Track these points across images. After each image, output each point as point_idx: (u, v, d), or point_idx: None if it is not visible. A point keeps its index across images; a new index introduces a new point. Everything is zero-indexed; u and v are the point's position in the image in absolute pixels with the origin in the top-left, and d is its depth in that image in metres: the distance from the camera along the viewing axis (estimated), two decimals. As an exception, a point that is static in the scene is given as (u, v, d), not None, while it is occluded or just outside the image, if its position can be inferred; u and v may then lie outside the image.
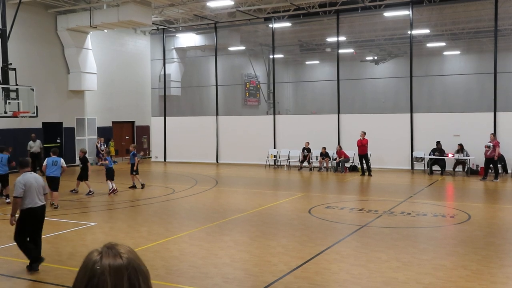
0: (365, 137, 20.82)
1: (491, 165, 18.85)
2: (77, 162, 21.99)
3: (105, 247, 1.57)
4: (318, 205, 13.58)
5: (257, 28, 30.16)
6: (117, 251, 1.55)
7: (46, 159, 13.87)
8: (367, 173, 20.75)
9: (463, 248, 9.05)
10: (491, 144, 18.69)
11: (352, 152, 22.25)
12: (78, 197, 15.49)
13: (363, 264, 8.00)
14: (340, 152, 22.27)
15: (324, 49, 34.85)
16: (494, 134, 19.39)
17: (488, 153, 18.70)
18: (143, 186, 17.13)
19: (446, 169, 20.93)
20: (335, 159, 22.61)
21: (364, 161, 20.89)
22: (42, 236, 8.21)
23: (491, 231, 10.42)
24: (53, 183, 13.41)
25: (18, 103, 17.80)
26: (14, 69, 18.17)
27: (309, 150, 23.15)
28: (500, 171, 19.91)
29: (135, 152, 17.51)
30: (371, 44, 34.74)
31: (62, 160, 13.58)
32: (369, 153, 21.15)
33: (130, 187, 17.14)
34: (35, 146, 21.14)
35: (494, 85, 21.32)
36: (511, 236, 10.32)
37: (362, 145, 20.77)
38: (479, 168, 20.30)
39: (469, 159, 20.35)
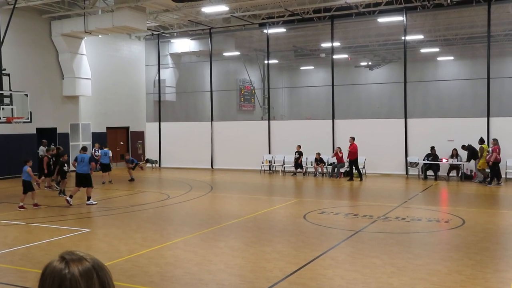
0: (354, 142, 20.89)
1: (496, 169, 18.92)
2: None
3: (65, 254, 1.58)
4: (313, 211, 13.58)
5: (251, 33, 30.23)
6: (80, 256, 1.57)
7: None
8: (359, 178, 20.80)
9: (458, 253, 9.07)
10: (491, 149, 18.82)
11: (345, 157, 22.25)
12: (72, 202, 15.41)
13: (358, 270, 8.00)
14: (340, 153, 22.02)
15: (319, 54, 34.97)
16: (495, 139, 19.10)
17: (488, 157, 18.84)
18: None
19: (440, 174, 20.99)
20: (330, 164, 22.63)
21: (354, 167, 20.95)
22: (35, 243, 8.16)
23: (485, 236, 10.45)
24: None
25: (11, 108, 17.75)
26: (8, 75, 18.12)
27: (300, 153, 23.17)
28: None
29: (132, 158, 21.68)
30: (365, 49, 34.90)
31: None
32: (363, 158, 21.19)
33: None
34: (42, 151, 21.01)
35: (487, 90, 21.45)
36: (505, 241, 10.36)
37: (350, 151, 20.85)
38: (472, 173, 20.38)
39: (463, 164, 20.42)
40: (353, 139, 20.99)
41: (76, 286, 1.49)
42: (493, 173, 18.81)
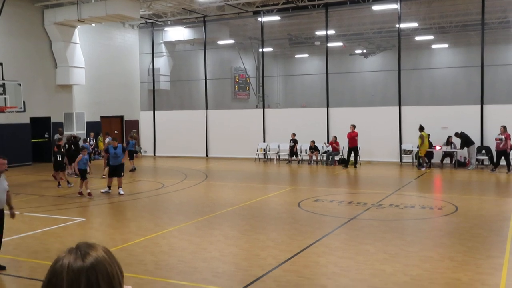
0: (355, 130, 20.99)
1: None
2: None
3: (75, 246, 1.56)
4: (307, 199, 13.65)
5: (246, 21, 30.10)
6: (84, 252, 1.53)
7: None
8: (353, 165, 20.95)
9: (450, 240, 9.16)
10: (503, 137, 18.49)
11: (341, 145, 22.33)
12: (67, 192, 15.42)
13: (351, 257, 8.07)
14: (335, 143, 22.14)
15: (313, 42, 34.89)
16: (505, 126, 18.80)
17: (501, 145, 18.50)
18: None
19: (434, 161, 21.10)
20: (324, 152, 22.70)
21: (353, 154, 21.08)
22: (30, 232, 8.17)
23: (478, 222, 10.55)
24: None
25: (5, 98, 17.68)
26: (1, 64, 18.01)
27: (295, 141, 23.22)
28: (487, 162, 20.19)
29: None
30: (360, 37, 34.84)
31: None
32: (358, 146, 21.27)
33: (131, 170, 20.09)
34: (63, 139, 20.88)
35: (481, 78, 21.49)
36: (498, 227, 10.44)
37: (352, 138, 20.93)
38: (466, 161, 20.50)
39: (457, 152, 20.53)
40: (354, 126, 21.08)
41: (60, 284, 1.48)
42: (507, 160, 18.58)
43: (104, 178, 17.00)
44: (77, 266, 1.50)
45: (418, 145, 20.51)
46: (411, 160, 21.92)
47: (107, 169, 15.97)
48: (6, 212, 7.98)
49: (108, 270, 1.53)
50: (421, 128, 20.33)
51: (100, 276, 1.50)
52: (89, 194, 14.20)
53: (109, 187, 14.90)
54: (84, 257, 1.51)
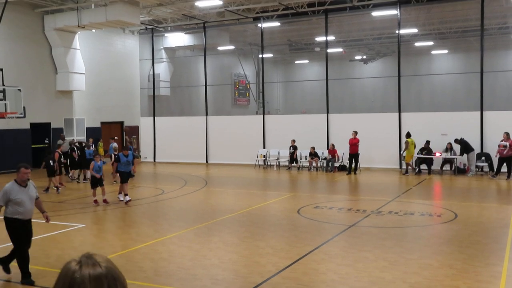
0: (357, 137, 21.04)
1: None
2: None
3: (83, 256, 1.61)
4: (307, 205, 13.64)
5: (246, 27, 30.19)
6: (96, 261, 1.59)
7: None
8: (353, 171, 20.95)
9: (449, 247, 9.16)
10: (508, 144, 18.32)
11: (341, 151, 22.35)
12: (67, 198, 15.42)
13: (350, 264, 8.07)
14: (333, 150, 22.26)
15: (313, 48, 34.99)
16: (508, 133, 18.56)
17: (505, 152, 18.36)
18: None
19: (434, 168, 21.10)
20: (324, 159, 22.71)
21: (353, 160, 21.09)
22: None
23: (477, 230, 10.54)
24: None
25: (5, 104, 17.71)
26: (1, 70, 18.04)
27: (295, 148, 23.22)
28: (487, 169, 20.19)
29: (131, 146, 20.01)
30: (359, 43, 34.95)
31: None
32: (359, 152, 21.30)
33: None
34: (64, 144, 20.89)
35: (480, 84, 21.52)
36: (497, 235, 10.44)
37: (353, 144, 20.95)
38: (465, 167, 20.50)
39: (457, 158, 20.53)
40: (356, 133, 21.13)
41: None
42: (510, 166, 18.41)
43: (116, 183, 17.03)
44: (97, 274, 1.56)
45: (402, 151, 21.17)
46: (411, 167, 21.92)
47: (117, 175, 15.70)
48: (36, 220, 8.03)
49: (120, 275, 1.62)
50: (408, 135, 20.79)
51: (118, 282, 1.59)
52: (95, 201, 14.05)
53: (126, 194, 14.55)
54: (100, 266, 1.58)
